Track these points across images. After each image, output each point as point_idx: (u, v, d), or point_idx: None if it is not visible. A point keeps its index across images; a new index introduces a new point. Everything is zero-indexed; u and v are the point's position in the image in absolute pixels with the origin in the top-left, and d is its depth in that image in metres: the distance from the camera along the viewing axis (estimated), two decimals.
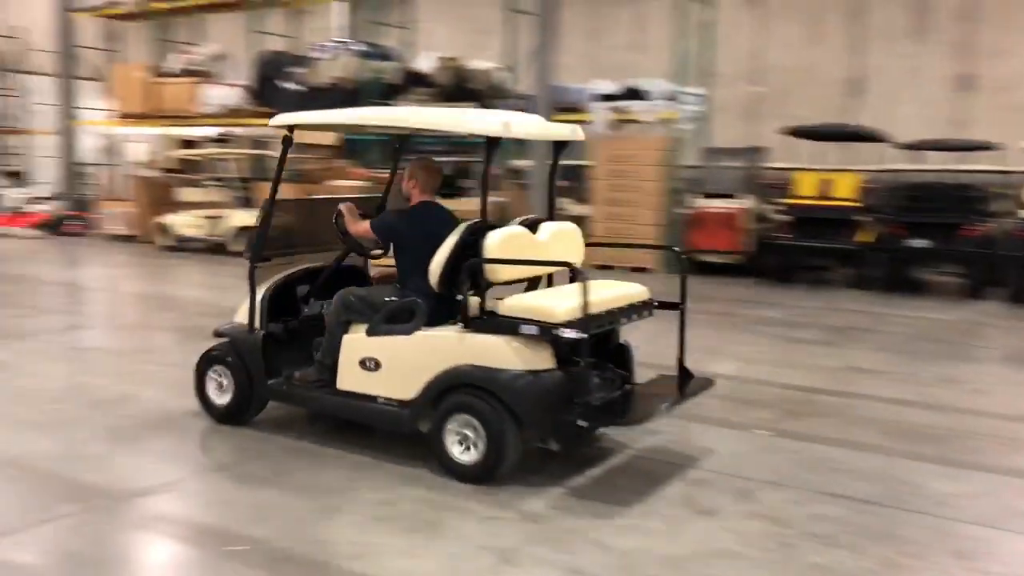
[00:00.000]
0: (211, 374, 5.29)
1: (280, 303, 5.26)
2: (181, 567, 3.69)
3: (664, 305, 4.98)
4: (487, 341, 4.39)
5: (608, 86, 14.04)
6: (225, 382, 5.24)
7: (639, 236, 12.96)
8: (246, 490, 4.30)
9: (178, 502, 4.15)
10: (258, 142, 18.25)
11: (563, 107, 14.10)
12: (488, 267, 4.44)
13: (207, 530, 3.86)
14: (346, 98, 16.00)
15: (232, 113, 17.38)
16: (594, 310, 4.29)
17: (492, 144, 4.57)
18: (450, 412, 4.41)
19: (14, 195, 21.28)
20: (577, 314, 4.22)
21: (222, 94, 17.39)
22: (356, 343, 4.77)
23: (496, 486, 4.29)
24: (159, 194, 16.98)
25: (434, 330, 4.57)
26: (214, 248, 14.97)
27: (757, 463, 4.85)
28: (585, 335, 4.19)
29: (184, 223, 15.15)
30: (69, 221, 18.44)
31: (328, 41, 17.52)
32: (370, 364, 4.70)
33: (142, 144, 23.94)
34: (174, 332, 8.54)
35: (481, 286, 4.44)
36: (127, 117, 18.94)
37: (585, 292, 4.19)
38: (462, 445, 4.39)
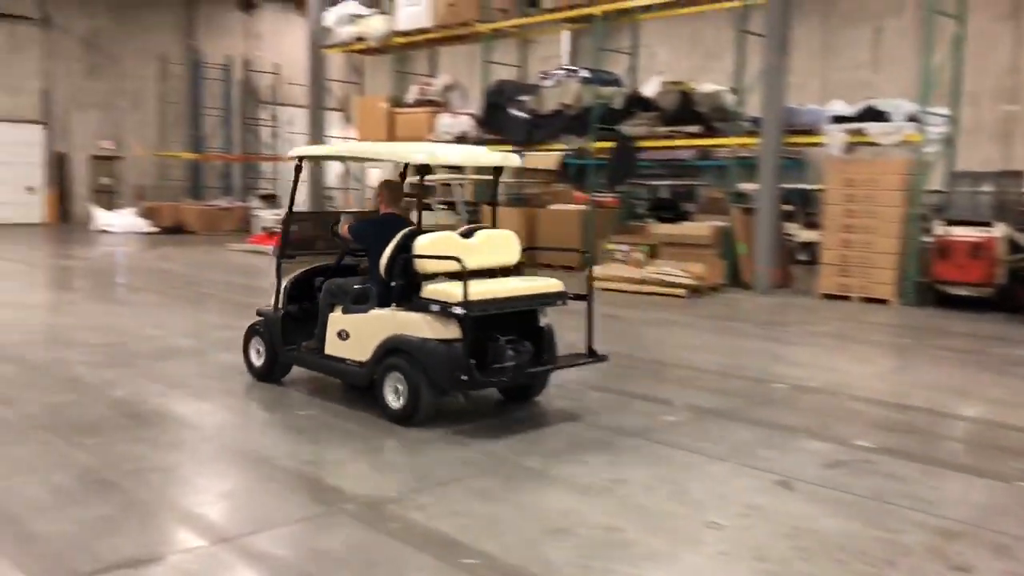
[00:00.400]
0: (252, 342, 6.92)
1: (300, 290, 6.76)
2: (421, 573, 3.84)
3: (577, 297, 6.28)
4: (410, 316, 5.79)
5: (843, 107, 13.37)
6: (260, 348, 6.83)
7: (876, 264, 12.23)
8: (478, 503, 4.42)
9: (415, 511, 4.32)
10: (485, 168, 18.93)
11: (794, 129, 13.59)
12: (417, 261, 5.80)
13: (442, 540, 4.00)
14: (571, 124, 16.29)
15: (461, 140, 18.14)
16: (487, 296, 5.70)
17: (422, 169, 6.19)
18: (387, 370, 5.83)
19: (268, 216, 23.31)
20: (474, 297, 5.52)
21: (453, 122, 18.20)
22: (335, 320, 6.26)
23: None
24: None
25: (382, 309, 5.97)
26: None
27: (1016, 516, 4.40)
28: (466, 311, 5.50)
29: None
30: None
31: (555, 69, 17.91)
32: (343, 335, 6.19)
33: (382, 171, 25.53)
34: None
35: (410, 276, 5.83)
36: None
37: (466, 281, 5.48)
38: (395, 395, 5.76)
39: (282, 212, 23.56)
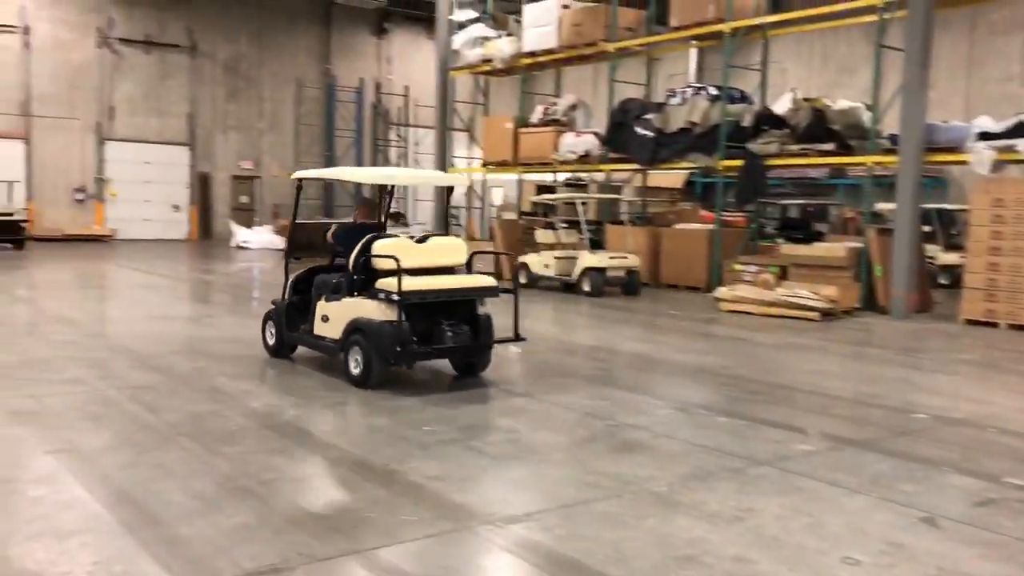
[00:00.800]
0: (267, 326, 8.65)
1: (302, 285, 8.36)
2: None
3: (505, 291, 7.84)
4: (367, 303, 7.38)
5: (990, 123, 12.67)
6: (272, 331, 8.55)
7: None
8: (604, 527, 4.36)
9: (540, 532, 4.30)
10: (609, 187, 18.89)
11: (935, 147, 12.97)
12: (374, 260, 7.40)
13: (568, 563, 3.96)
14: (698, 142, 16.05)
15: (585, 160, 18.16)
16: (423, 288, 7.24)
17: (383, 190, 8.80)
18: (350, 345, 7.36)
19: (395, 233, 23.88)
20: (410, 288, 7.11)
21: (577, 142, 18.23)
22: (320, 307, 7.88)
23: None
24: (516, 236, 18.16)
25: (350, 298, 7.58)
26: (565, 287, 15.66)
27: None
28: (400, 299, 7.03)
29: (538, 262, 16.02)
30: None
31: (681, 87, 17.71)
32: (325, 319, 7.80)
33: (504, 189, 25.86)
34: (526, 364, 9.00)
35: (370, 271, 7.46)
36: (491, 164, 20.54)
37: (400, 276, 7.00)
38: (355, 364, 7.30)
39: (409, 230, 24.23)
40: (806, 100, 15.30)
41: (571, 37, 18.57)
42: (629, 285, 15.46)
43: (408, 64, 33.19)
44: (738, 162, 15.47)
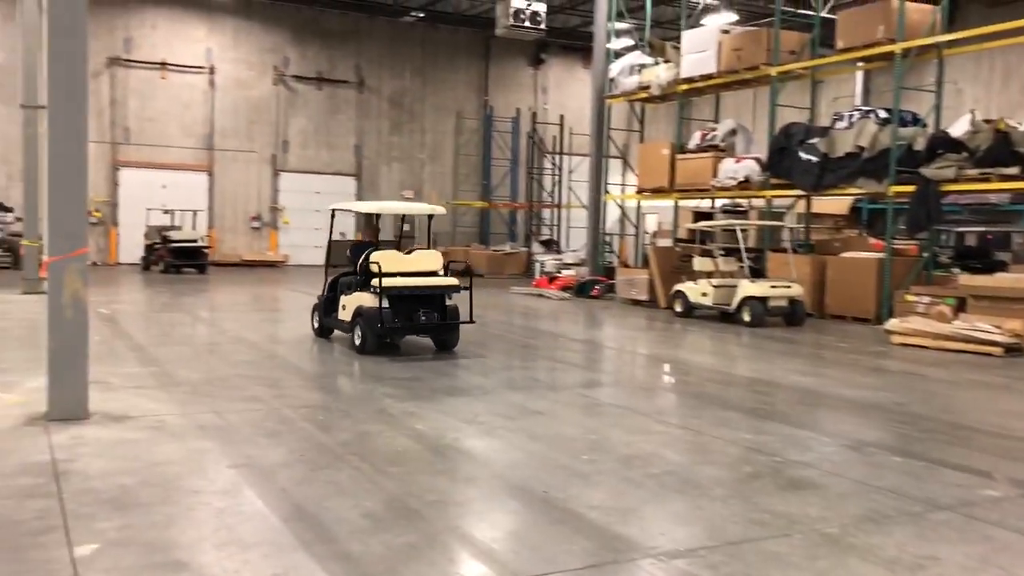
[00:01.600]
0: (313, 315, 11.95)
1: (335, 285, 11.49)
2: None
3: (464, 288, 10.77)
4: (365, 295, 10.42)
5: None
6: (316, 318, 11.88)
7: None
8: (773, 568, 4.20)
9: (705, 570, 4.19)
10: (769, 213, 18.37)
11: None
12: (372, 266, 10.24)
13: None
14: (866, 167, 15.41)
15: (745, 186, 17.74)
16: (400, 284, 10.22)
17: (377, 217, 14.18)
18: (354, 324, 10.46)
19: (549, 261, 24.11)
20: (388, 284, 10.10)
21: (736, 167, 17.85)
22: (342, 299, 11.05)
23: None
24: (672, 263, 17.93)
25: (357, 292, 10.67)
26: (723, 316, 15.31)
27: None
28: (380, 291, 10.02)
29: (695, 291, 15.74)
30: (593, 285, 20.32)
31: (848, 110, 17.06)
32: (343, 307, 10.94)
33: (658, 216, 25.63)
34: (684, 396, 8.84)
35: (370, 274, 10.35)
36: (646, 191, 20.40)
37: (381, 277, 10.05)
38: (358, 337, 10.39)
39: (562, 257, 24.39)
40: (986, 122, 14.40)
41: (731, 62, 18.26)
42: (792, 315, 14.93)
43: (563, 93, 33.57)
44: (910, 187, 14.72)
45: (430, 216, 11.97)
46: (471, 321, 10.91)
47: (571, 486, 5.46)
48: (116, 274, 23.46)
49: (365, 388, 8.54)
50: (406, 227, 12.36)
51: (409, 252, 11.02)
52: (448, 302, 10.75)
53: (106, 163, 26.96)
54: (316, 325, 11.87)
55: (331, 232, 12.15)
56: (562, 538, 4.56)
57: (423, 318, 10.44)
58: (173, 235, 24.21)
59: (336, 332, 11.60)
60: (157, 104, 27.72)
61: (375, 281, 10.18)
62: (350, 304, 10.73)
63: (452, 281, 10.82)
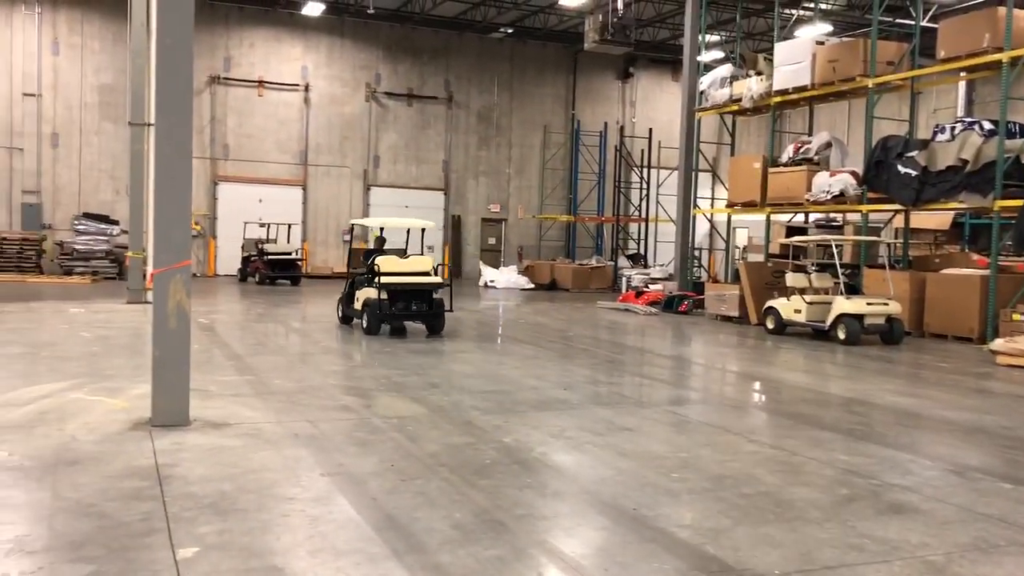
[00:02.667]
0: (339, 306, 14.84)
1: (355, 282, 14.24)
2: None
3: (445, 284, 13.89)
4: (370, 290, 13.42)
5: None
6: (339, 309, 14.79)
7: None
8: None
9: None
10: (866, 229, 17.83)
11: None
12: (377, 267, 13.22)
13: None
14: (969, 180, 14.86)
15: (839, 200, 17.29)
16: (396, 281, 13.19)
17: (382, 230, 15.22)
18: (362, 313, 13.58)
19: (636, 275, 23.92)
20: (386, 281, 13.12)
21: (831, 181, 17.41)
22: (358, 292, 13.87)
23: None
24: (764, 278, 17.57)
25: (366, 287, 13.60)
26: (817, 334, 14.92)
27: None
28: (379, 287, 13.12)
29: (788, 307, 15.38)
30: (681, 300, 20.06)
31: (950, 121, 16.48)
32: (358, 299, 13.84)
33: (749, 230, 25.19)
34: (777, 415, 8.63)
35: (375, 273, 13.22)
36: (737, 205, 20.07)
37: (379, 276, 13.12)
38: (364, 323, 13.47)
39: (649, 271, 24.17)
40: None
41: (826, 74, 17.86)
42: (889, 333, 14.45)
43: (651, 106, 33.37)
44: (1017, 202, 14.11)
45: (422, 229, 16.49)
46: (450, 310, 13.82)
47: (661, 504, 5.39)
48: (214, 285, 24.27)
49: (451, 400, 8.61)
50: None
51: (405, 257, 14.07)
52: (436, 295, 13.66)
53: (206, 178, 27.97)
54: (340, 314, 14.77)
55: (350, 240, 15.66)
56: (652, 556, 4.50)
57: (414, 307, 13.39)
58: (269, 248, 24.94)
59: (355, 321, 14.32)
60: (255, 121, 28.65)
61: (377, 280, 13.09)
62: (361, 297, 13.71)
63: (437, 279, 13.69)
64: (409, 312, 13.42)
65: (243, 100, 28.52)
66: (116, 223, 25.62)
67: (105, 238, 25.46)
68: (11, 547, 4.31)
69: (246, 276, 25.65)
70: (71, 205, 26.64)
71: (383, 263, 13.27)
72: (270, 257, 24.64)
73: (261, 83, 28.59)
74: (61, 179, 26.69)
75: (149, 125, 15.61)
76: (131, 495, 5.20)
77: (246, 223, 26.22)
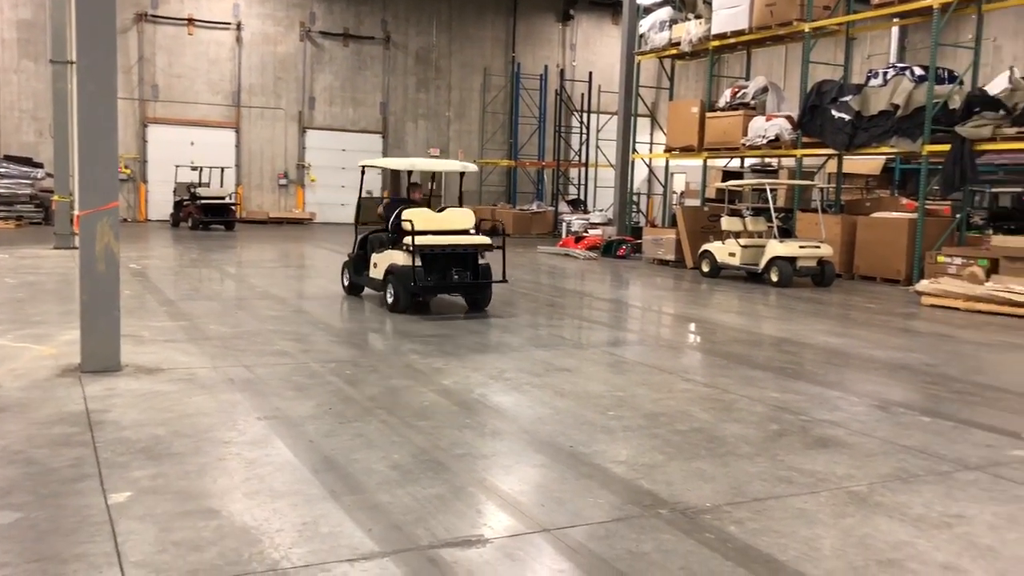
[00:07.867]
0: (343, 272, 11.96)
1: (365, 243, 11.33)
2: None
3: (496, 247, 10.58)
4: (397, 253, 10.32)
5: None
6: (346, 275, 11.88)
7: None
8: (799, 524, 4.21)
9: (732, 525, 4.20)
10: (800, 173, 18.12)
11: None
12: (404, 224, 10.13)
13: (761, 558, 3.85)
14: (900, 126, 15.15)
15: (775, 145, 17.50)
16: (433, 242, 10.12)
17: (409, 174, 11.82)
18: (386, 282, 10.44)
19: (575, 221, 24.00)
20: (421, 242, 10.02)
21: (767, 126, 17.60)
22: (374, 257, 10.92)
23: None
24: (700, 223, 17.79)
25: (389, 250, 10.57)
26: (751, 276, 15.20)
27: None
28: (412, 250, 9.95)
29: (723, 250, 15.62)
30: (619, 245, 20.22)
31: (883, 67, 16.72)
32: (375, 265, 10.86)
33: (686, 175, 25.39)
34: (711, 355, 8.81)
35: (400, 231, 10.29)
36: (675, 150, 20.19)
37: (413, 235, 9.98)
38: (390, 295, 10.34)
39: (589, 216, 24.26)
40: None
41: (764, 18, 17.93)
42: (821, 276, 14.80)
43: (592, 50, 33.16)
44: (945, 147, 14.45)
45: (461, 174, 11.64)
46: (504, 280, 10.90)
47: (597, 442, 5.48)
48: (145, 230, 23.67)
49: (392, 344, 8.59)
50: (432, 185, 12.61)
51: (441, 210, 10.86)
52: (481, 261, 10.59)
53: (135, 120, 27.07)
54: (346, 283, 11.85)
55: (360, 189, 12.53)
56: (588, 492, 4.59)
57: (456, 277, 10.32)
58: (201, 192, 24.34)
59: (367, 290, 11.67)
60: (185, 60, 27.72)
61: (406, 240, 10.07)
62: (381, 262, 10.63)
63: (485, 240, 10.55)
64: (451, 283, 10.43)
65: (172, 39, 27.53)
66: (40, 166, 24.71)
67: (29, 181, 24.55)
68: None
69: (179, 221, 25.06)
70: None
71: (415, 218, 10.23)
72: (203, 202, 24.08)
73: (191, 21, 27.60)
74: None
75: (71, 63, 15.00)
76: (61, 441, 5.10)
77: (178, 167, 25.52)
